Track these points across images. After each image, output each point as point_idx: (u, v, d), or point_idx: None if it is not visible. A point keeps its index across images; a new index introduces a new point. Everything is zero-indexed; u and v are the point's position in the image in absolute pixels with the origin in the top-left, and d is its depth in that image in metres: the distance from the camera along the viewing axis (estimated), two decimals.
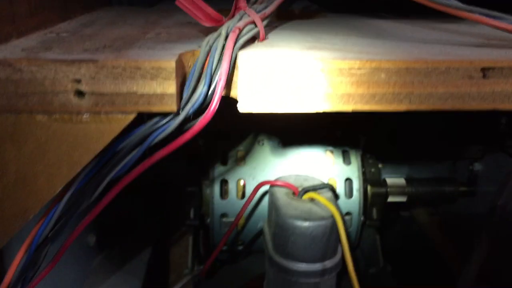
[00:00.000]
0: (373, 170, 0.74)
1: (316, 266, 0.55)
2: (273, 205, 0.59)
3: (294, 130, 0.74)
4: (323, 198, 0.57)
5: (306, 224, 0.54)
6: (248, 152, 0.72)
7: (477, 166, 0.76)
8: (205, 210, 0.72)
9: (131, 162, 0.39)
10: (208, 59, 0.39)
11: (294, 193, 0.60)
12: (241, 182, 0.71)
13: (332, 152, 0.73)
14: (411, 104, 0.37)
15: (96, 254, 0.78)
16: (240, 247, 0.74)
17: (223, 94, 0.39)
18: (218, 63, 0.39)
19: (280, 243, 0.56)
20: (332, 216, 0.55)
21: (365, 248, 0.79)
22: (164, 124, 0.39)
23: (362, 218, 0.72)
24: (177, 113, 0.38)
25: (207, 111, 0.38)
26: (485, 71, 0.37)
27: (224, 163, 0.72)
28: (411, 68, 0.36)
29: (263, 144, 0.73)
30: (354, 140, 0.75)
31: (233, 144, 0.73)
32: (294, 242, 0.55)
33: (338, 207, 0.57)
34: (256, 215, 0.70)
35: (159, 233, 0.89)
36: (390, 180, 0.76)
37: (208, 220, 0.71)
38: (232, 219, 0.70)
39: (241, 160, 0.72)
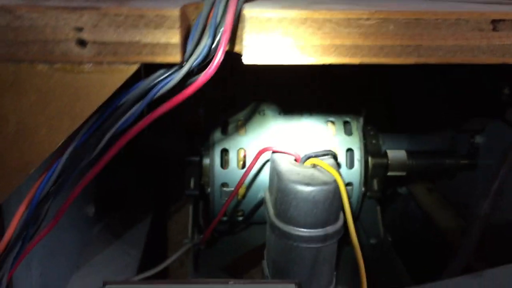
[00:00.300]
0: (374, 141, 0.74)
1: (318, 232, 0.55)
2: (275, 171, 0.58)
3: (295, 100, 0.74)
4: (325, 164, 0.57)
5: (308, 188, 0.54)
6: (249, 122, 0.72)
7: (478, 139, 0.75)
8: (205, 180, 0.72)
9: (134, 116, 0.39)
10: (212, 11, 0.38)
11: (296, 160, 0.60)
12: (242, 152, 0.70)
13: (333, 122, 0.73)
14: (420, 57, 0.37)
15: (95, 224, 0.78)
16: (240, 218, 0.74)
17: (227, 48, 0.38)
18: (222, 15, 0.38)
19: (282, 209, 0.56)
20: (335, 181, 0.54)
21: (365, 220, 0.79)
22: (167, 77, 0.38)
23: (363, 189, 0.72)
24: (180, 66, 0.38)
25: (210, 64, 0.37)
26: (496, 24, 0.36)
27: (225, 132, 0.72)
28: (420, 19, 0.36)
29: (264, 114, 0.73)
30: (355, 112, 0.74)
31: (234, 114, 0.73)
32: (296, 207, 0.54)
33: (340, 173, 0.56)
34: (256, 185, 0.70)
35: (158, 205, 0.88)
36: (391, 152, 0.75)
37: (208, 190, 0.71)
38: (232, 188, 0.69)
39: (242, 129, 0.71)
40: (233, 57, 0.40)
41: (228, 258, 0.75)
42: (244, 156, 0.70)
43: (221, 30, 0.37)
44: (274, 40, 0.37)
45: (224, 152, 0.70)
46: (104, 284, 0.47)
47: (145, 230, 0.81)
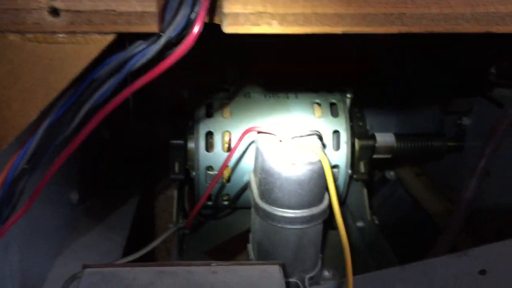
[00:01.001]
0: (360, 123, 0.73)
1: (303, 212, 0.54)
2: (259, 151, 0.57)
3: (281, 82, 0.73)
4: (310, 144, 0.56)
5: (293, 168, 0.53)
6: (234, 105, 0.71)
7: (465, 120, 0.75)
8: (190, 164, 0.71)
9: (111, 89, 0.38)
10: None
11: (280, 141, 0.59)
12: (227, 135, 0.69)
13: (319, 104, 0.72)
14: (403, 25, 0.36)
15: (79, 210, 0.76)
16: (226, 202, 0.73)
17: (206, 18, 0.37)
18: None
19: (266, 189, 0.55)
20: (319, 161, 0.54)
21: (352, 203, 0.78)
22: (145, 48, 0.37)
23: (349, 171, 0.71)
24: (158, 36, 0.37)
25: (189, 35, 0.36)
26: None
27: (209, 115, 0.70)
28: None
29: (249, 96, 0.72)
30: (341, 93, 0.74)
31: (219, 97, 0.72)
32: (280, 188, 0.54)
33: (325, 153, 0.55)
34: (241, 168, 0.69)
35: (145, 192, 0.87)
36: (379, 135, 0.75)
37: (193, 173, 0.70)
38: (217, 172, 0.69)
39: (227, 112, 0.70)
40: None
41: (213, 243, 0.75)
42: (229, 139, 0.69)
43: None
44: (254, 8, 0.36)
45: (209, 135, 0.69)
46: (84, 267, 0.46)
47: (130, 217, 0.80)
